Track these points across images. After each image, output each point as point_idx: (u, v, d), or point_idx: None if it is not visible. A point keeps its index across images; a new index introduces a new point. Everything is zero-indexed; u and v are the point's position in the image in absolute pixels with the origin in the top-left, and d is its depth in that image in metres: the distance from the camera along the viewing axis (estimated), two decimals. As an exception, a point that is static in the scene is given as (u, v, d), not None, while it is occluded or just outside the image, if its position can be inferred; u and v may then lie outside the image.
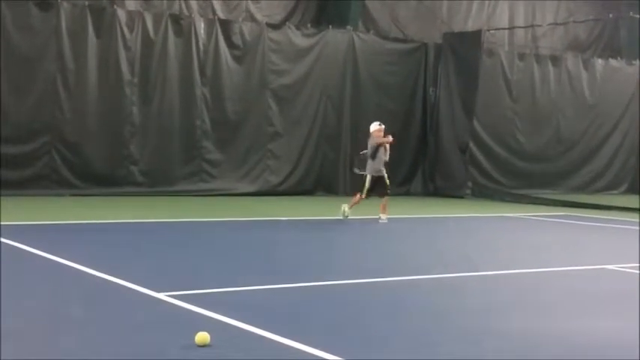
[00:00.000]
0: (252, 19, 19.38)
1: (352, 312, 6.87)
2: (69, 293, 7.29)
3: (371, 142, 14.06)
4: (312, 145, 19.46)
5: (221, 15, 18.88)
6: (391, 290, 8.01)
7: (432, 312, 7.05)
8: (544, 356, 5.67)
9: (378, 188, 13.92)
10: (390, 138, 14.02)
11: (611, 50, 24.99)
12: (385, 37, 20.77)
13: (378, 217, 13.80)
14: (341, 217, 13.81)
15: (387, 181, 14.04)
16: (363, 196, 13.92)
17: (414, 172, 21.20)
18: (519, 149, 22.36)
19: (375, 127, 14.20)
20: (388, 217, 13.80)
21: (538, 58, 22.79)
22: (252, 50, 18.64)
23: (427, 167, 21.22)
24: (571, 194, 21.44)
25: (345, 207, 13.92)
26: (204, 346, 5.36)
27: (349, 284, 8.19)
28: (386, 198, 13.92)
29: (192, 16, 18.21)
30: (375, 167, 13.96)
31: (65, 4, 16.51)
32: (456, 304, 7.41)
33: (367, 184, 13.90)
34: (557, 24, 23.50)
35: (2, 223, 11.35)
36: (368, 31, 20.62)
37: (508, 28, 23.11)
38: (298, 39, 19.30)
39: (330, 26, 19.73)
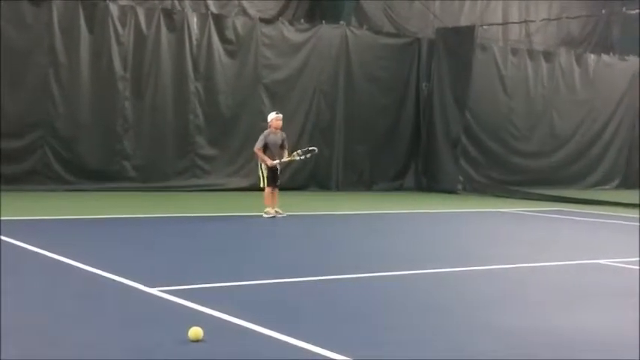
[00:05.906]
0: (245, 13, 19.36)
1: (348, 307, 6.87)
2: (61, 289, 7.28)
3: (267, 136, 13.05)
4: (306, 140, 19.41)
5: (214, 10, 18.85)
6: (385, 285, 8.01)
7: (427, 307, 7.04)
8: (537, 353, 5.67)
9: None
10: (272, 162, 12.93)
11: (604, 46, 25.03)
12: (378, 32, 20.77)
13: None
14: (269, 217, 12.98)
15: (262, 174, 13.08)
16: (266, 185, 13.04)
17: (407, 167, 21.22)
18: (513, 144, 22.39)
19: (272, 116, 13.28)
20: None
21: (531, 53, 22.82)
22: (245, 45, 18.62)
23: (420, 162, 21.23)
24: (563, 189, 21.48)
25: (268, 210, 13.06)
26: (197, 341, 5.36)
27: (345, 279, 8.18)
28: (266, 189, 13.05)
29: (185, 10, 18.18)
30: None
31: (57, -2, 16.47)
32: (447, 300, 7.42)
33: (266, 174, 13.04)
34: (550, 19, 23.55)
35: (-6, 218, 11.34)
36: (361, 26, 20.61)
37: (501, 24, 23.12)
38: (291, 34, 19.28)
39: (324, 21, 19.72)
